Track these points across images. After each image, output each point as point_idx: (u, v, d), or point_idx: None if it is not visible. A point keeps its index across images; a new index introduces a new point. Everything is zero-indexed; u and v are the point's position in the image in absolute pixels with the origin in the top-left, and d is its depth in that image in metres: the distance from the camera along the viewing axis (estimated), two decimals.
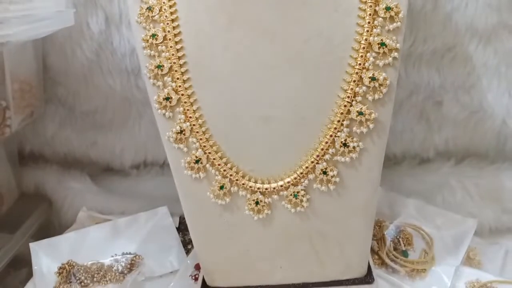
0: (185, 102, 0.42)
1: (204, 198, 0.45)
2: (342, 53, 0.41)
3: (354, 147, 0.42)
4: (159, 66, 0.42)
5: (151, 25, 0.42)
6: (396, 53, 0.41)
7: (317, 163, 0.43)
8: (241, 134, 0.43)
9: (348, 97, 0.41)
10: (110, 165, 0.74)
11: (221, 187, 0.44)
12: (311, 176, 0.43)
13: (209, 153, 0.43)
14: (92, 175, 0.73)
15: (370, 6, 0.40)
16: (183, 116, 0.43)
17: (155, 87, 0.43)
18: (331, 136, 0.42)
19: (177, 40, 0.42)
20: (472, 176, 0.66)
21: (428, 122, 0.67)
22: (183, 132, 0.43)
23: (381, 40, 0.40)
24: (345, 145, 0.42)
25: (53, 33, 0.56)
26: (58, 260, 0.56)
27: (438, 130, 0.67)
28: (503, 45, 0.60)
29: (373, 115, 0.41)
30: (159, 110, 0.43)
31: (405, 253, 0.55)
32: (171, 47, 0.42)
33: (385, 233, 0.57)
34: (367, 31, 0.40)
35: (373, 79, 0.41)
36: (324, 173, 0.43)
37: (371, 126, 0.41)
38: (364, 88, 0.41)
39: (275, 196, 0.44)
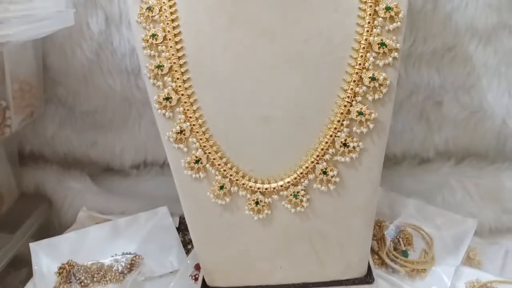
0: (185, 102, 0.42)
1: (204, 198, 0.45)
2: (342, 53, 0.41)
3: (354, 147, 0.42)
4: (159, 66, 0.42)
5: (151, 25, 0.42)
6: (396, 53, 0.41)
7: (317, 163, 0.43)
8: (241, 134, 0.43)
9: (348, 97, 0.41)
10: (110, 165, 0.74)
11: (221, 187, 0.44)
12: (311, 176, 0.43)
13: (209, 153, 0.43)
14: (92, 175, 0.73)
15: (370, 6, 0.40)
16: (183, 116, 0.43)
17: (155, 87, 0.43)
18: (331, 136, 0.42)
19: (177, 40, 0.42)
20: (472, 176, 0.66)
21: (428, 122, 0.67)
22: (183, 132, 0.43)
23: (381, 40, 0.40)
24: (345, 145, 0.42)
25: (53, 33, 0.56)
26: (58, 260, 0.56)
27: (438, 130, 0.67)
28: (503, 45, 0.60)
29: (373, 115, 0.41)
30: (159, 110, 0.43)
31: (405, 253, 0.55)
32: (171, 47, 0.42)
33: (385, 233, 0.57)
34: (367, 31, 0.40)
35: (373, 79, 0.41)
36: (324, 173, 0.43)
37: (371, 126, 0.41)
38: (364, 88, 0.41)
39: (275, 196, 0.44)
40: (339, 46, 0.41)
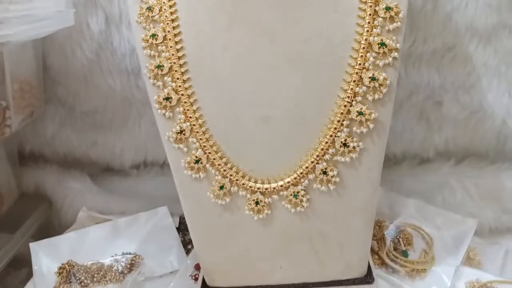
0: (185, 102, 0.42)
1: (204, 198, 0.45)
2: (342, 53, 0.41)
3: (354, 147, 0.42)
4: (159, 66, 0.42)
5: (151, 25, 0.42)
6: (396, 53, 0.41)
7: (317, 163, 0.43)
8: (241, 134, 0.43)
9: (348, 97, 0.41)
10: (110, 165, 0.74)
11: (221, 187, 0.44)
12: (311, 176, 0.43)
13: (209, 153, 0.43)
14: (92, 175, 0.73)
15: (370, 6, 0.40)
16: (183, 116, 0.43)
17: (155, 87, 0.43)
18: (331, 136, 0.42)
19: (177, 40, 0.42)
20: (472, 176, 0.66)
21: (428, 122, 0.67)
22: (183, 132, 0.43)
23: (381, 40, 0.40)
24: (345, 145, 0.42)
25: (53, 33, 0.56)
26: (58, 260, 0.56)
27: (438, 130, 0.67)
28: (503, 45, 0.60)
29: (373, 115, 0.41)
30: (159, 110, 0.43)
31: (405, 253, 0.55)
32: (171, 47, 0.42)
33: (385, 233, 0.57)
34: (367, 31, 0.40)
35: (373, 79, 0.41)
36: (324, 173, 0.43)
37: (371, 126, 0.41)
38: (364, 88, 0.41)
39: (275, 196, 0.44)
40: (339, 46, 0.41)
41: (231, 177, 0.44)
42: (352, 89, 0.41)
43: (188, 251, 0.58)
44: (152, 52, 0.42)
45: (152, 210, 0.61)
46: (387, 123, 0.42)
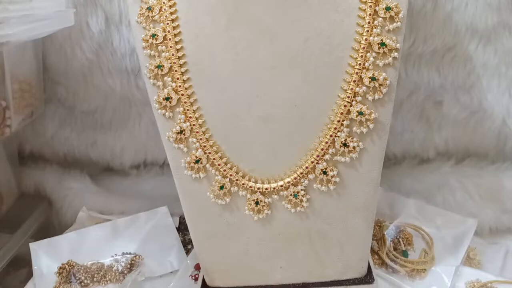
0: (185, 102, 0.42)
1: (204, 198, 0.45)
2: (342, 53, 0.41)
3: (354, 147, 0.42)
4: (159, 66, 0.42)
5: (151, 25, 0.42)
6: (396, 53, 0.41)
7: (317, 163, 0.43)
8: (241, 134, 0.43)
9: (348, 97, 0.41)
10: (110, 165, 0.74)
11: (221, 187, 0.44)
12: (311, 176, 0.43)
13: (209, 153, 0.43)
14: (92, 175, 0.73)
15: (370, 6, 0.40)
16: (183, 116, 0.43)
17: (155, 87, 0.43)
18: (331, 136, 0.42)
19: (177, 40, 0.42)
20: (472, 176, 0.66)
21: (428, 122, 0.67)
22: (183, 132, 0.43)
23: (381, 40, 0.40)
24: (345, 145, 0.42)
25: (53, 33, 0.56)
26: (58, 260, 0.56)
27: (438, 130, 0.67)
28: (503, 45, 0.60)
29: (373, 115, 0.41)
30: (159, 110, 0.43)
31: (405, 253, 0.55)
32: (171, 47, 0.42)
33: (385, 233, 0.57)
34: (367, 31, 0.40)
35: (373, 79, 0.41)
36: (324, 173, 0.43)
37: (371, 126, 0.41)
38: (364, 88, 0.41)
39: (275, 196, 0.44)
40: (339, 46, 0.41)
41: (231, 177, 0.44)
42: (352, 89, 0.41)
43: (188, 251, 0.58)
44: (152, 52, 0.42)
45: (152, 210, 0.62)
46: (387, 123, 0.42)
